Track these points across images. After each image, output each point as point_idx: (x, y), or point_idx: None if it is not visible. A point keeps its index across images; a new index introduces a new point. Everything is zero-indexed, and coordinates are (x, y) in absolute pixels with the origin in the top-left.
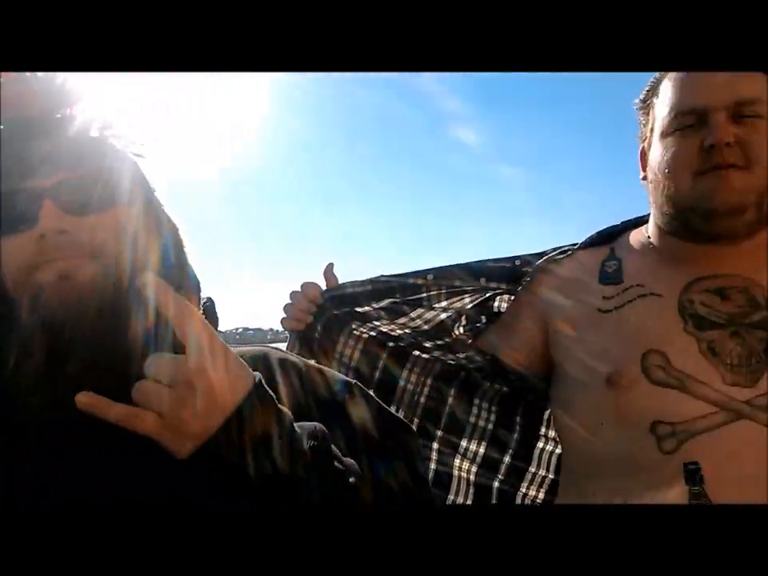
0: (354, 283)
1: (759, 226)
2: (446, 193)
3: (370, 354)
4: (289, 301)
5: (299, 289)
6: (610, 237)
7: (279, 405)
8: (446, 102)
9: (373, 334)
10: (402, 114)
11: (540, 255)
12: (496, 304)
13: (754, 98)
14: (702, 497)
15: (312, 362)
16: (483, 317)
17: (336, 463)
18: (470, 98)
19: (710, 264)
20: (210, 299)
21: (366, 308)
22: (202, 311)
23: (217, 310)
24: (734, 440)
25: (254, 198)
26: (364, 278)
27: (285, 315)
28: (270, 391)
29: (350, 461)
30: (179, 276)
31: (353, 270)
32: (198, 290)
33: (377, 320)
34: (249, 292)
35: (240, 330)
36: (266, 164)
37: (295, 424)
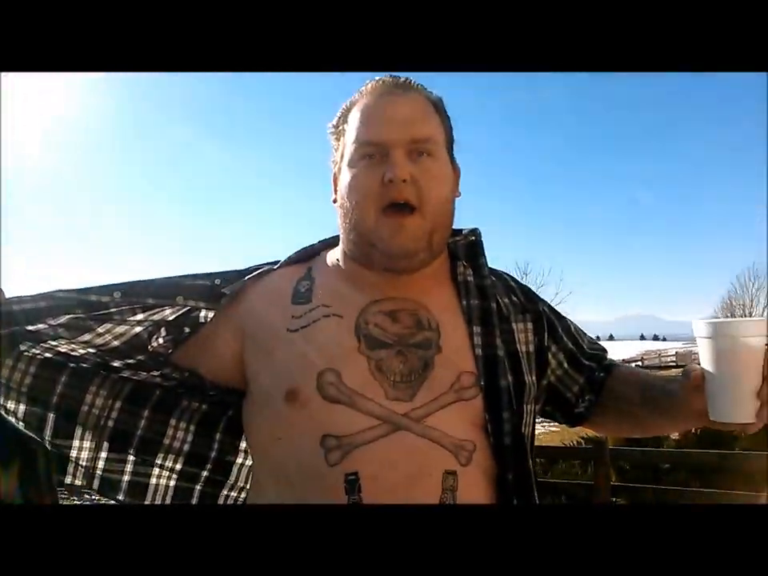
0: (22, 299)
1: (431, 260)
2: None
3: (44, 378)
4: None
5: None
6: (310, 255)
7: None
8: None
9: (48, 355)
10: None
11: (242, 273)
12: (202, 314)
13: (427, 137)
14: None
15: None
16: (187, 327)
17: None
18: None
19: (386, 288)
20: None
21: (40, 326)
22: None
23: None
24: (391, 450)
25: None
26: (35, 293)
27: None
28: None
29: None
30: None
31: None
32: None
33: (53, 339)
34: None
35: None
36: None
37: None
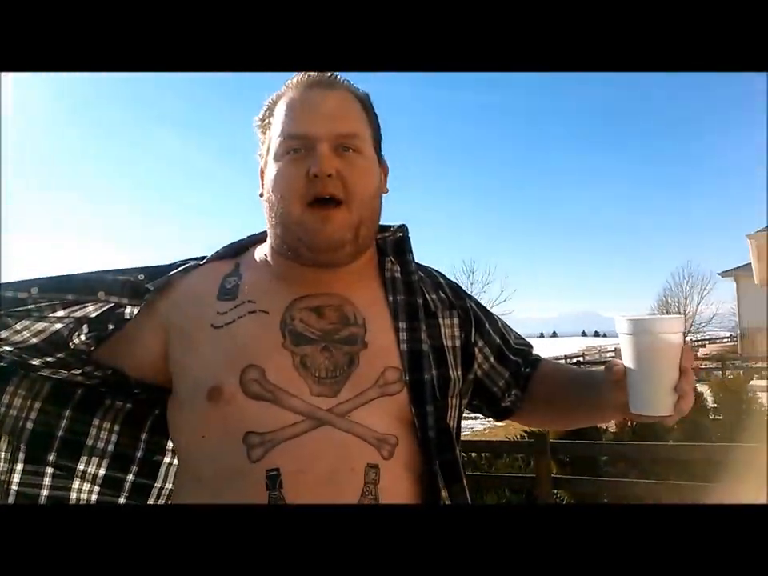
0: None
1: (358, 255)
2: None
3: None
4: None
5: None
6: (238, 251)
7: None
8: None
9: None
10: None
11: (167, 268)
12: (127, 311)
13: (353, 132)
14: (280, 500)
15: None
16: (111, 324)
17: None
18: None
19: (312, 284)
20: None
21: None
22: None
23: None
24: (314, 445)
25: None
26: None
27: None
28: None
29: None
30: None
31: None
32: None
33: None
34: None
35: None
36: None
37: None
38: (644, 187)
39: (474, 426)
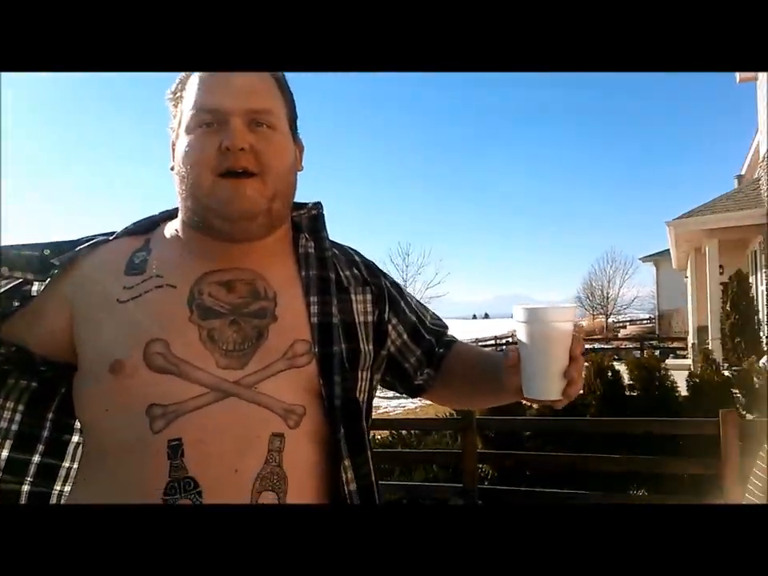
0: None
1: (272, 229)
2: None
3: None
4: None
5: None
6: (149, 227)
7: None
8: None
9: None
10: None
11: (74, 243)
12: (34, 288)
13: (268, 109)
14: (181, 469)
15: None
16: (16, 301)
17: None
18: None
19: (223, 258)
20: None
21: None
22: None
23: None
24: (219, 416)
25: None
26: None
27: None
28: None
29: None
30: None
31: None
32: None
33: None
34: None
35: None
36: None
37: None
38: (575, 175)
39: (407, 404)
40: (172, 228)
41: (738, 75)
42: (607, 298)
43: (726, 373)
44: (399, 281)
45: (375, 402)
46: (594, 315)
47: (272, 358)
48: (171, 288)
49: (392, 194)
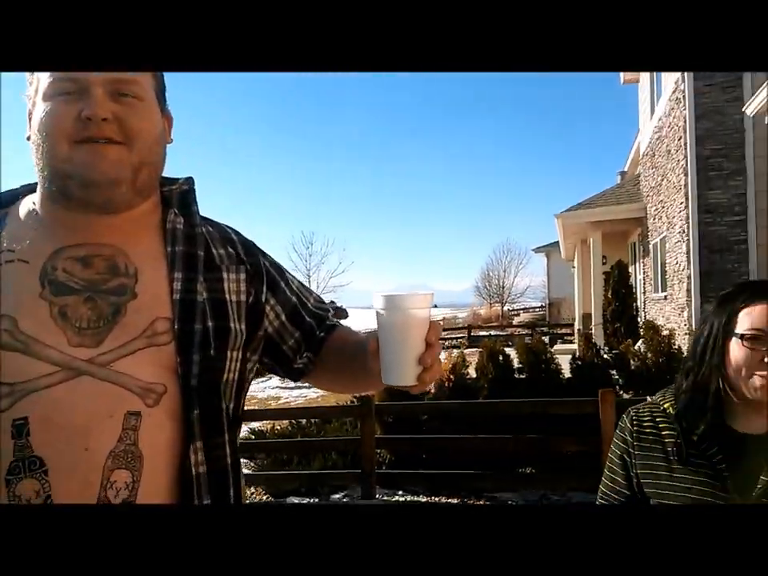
0: None
1: (136, 200)
2: None
3: None
4: None
5: None
6: (8, 201)
7: None
8: None
9: None
10: None
11: None
12: None
13: (132, 79)
14: (26, 448)
15: None
16: None
17: None
18: None
19: (83, 233)
20: None
21: None
22: None
23: None
24: (69, 394)
25: None
26: None
27: None
28: None
29: None
30: None
31: None
32: None
33: None
34: None
35: None
36: None
37: None
38: (476, 168)
39: (308, 394)
40: (30, 201)
41: (622, 76)
42: (503, 287)
43: (606, 356)
44: (303, 269)
45: (276, 392)
46: (491, 304)
47: (130, 335)
48: (23, 263)
49: (296, 180)
